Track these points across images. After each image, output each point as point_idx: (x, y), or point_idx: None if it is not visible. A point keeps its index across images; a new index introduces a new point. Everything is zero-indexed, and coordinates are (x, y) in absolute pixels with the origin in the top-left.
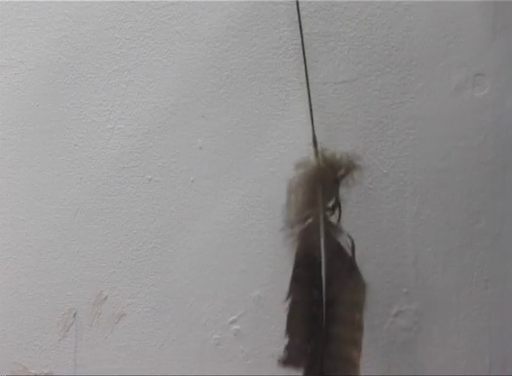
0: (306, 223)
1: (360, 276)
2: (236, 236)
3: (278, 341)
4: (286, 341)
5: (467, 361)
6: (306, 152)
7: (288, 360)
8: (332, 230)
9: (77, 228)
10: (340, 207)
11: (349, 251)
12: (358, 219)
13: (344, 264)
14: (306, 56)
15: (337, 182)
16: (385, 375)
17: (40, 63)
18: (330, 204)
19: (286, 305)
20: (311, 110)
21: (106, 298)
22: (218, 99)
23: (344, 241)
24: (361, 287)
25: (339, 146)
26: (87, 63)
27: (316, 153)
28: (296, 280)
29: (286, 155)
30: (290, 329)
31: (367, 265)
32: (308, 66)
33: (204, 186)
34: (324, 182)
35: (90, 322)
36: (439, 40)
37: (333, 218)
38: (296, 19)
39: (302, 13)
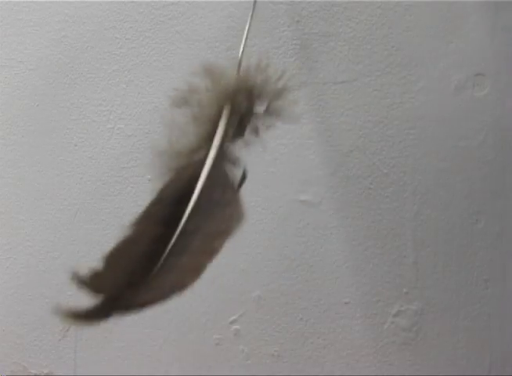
0: (197, 153)
1: (238, 207)
2: (236, 236)
3: (278, 341)
4: (97, 268)
5: (467, 361)
6: (306, 149)
7: (89, 283)
8: (222, 160)
9: (77, 228)
10: (243, 136)
11: (236, 184)
12: (358, 219)
13: (224, 195)
14: (307, 56)
15: (250, 109)
16: (385, 375)
17: (40, 63)
18: (232, 132)
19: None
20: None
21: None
22: None
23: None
24: (234, 218)
25: (339, 145)
26: (87, 63)
27: (239, 67)
28: (147, 213)
29: (286, 155)
30: (108, 259)
31: (367, 265)
32: (308, 67)
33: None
34: (234, 102)
35: None
36: (439, 40)
37: (232, 150)
38: (296, 19)
39: (302, 13)
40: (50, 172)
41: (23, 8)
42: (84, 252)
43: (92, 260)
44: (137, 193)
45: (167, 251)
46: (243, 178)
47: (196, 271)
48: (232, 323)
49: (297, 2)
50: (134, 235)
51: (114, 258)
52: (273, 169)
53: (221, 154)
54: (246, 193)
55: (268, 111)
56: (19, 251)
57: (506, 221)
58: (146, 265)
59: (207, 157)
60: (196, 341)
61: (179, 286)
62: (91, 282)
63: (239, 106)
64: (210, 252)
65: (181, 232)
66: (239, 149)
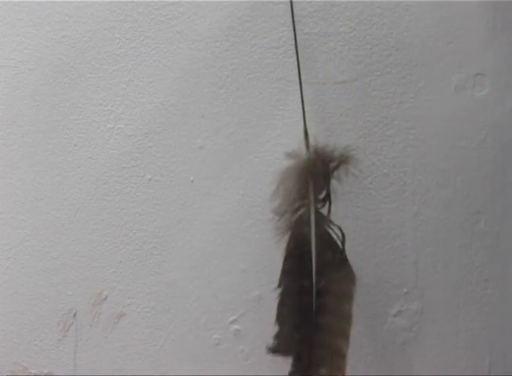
0: (296, 214)
1: (350, 268)
2: (236, 236)
3: None
4: (275, 330)
5: (467, 361)
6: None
7: (277, 349)
8: (322, 222)
9: (77, 228)
10: (330, 199)
11: (339, 243)
12: (358, 219)
13: (334, 255)
14: (307, 56)
15: (328, 174)
16: (385, 375)
17: (40, 63)
18: (321, 196)
19: (277, 295)
20: (302, 102)
21: (105, 298)
22: (218, 99)
23: (335, 233)
24: (350, 279)
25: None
26: (87, 63)
27: (307, 144)
28: (286, 270)
29: None
30: (280, 318)
31: (367, 265)
32: (308, 67)
33: (204, 186)
34: (314, 174)
35: (90, 322)
36: (439, 40)
37: (324, 211)
38: (296, 19)
39: (302, 13)
40: (50, 172)
41: (23, 8)
42: (84, 252)
43: (92, 260)
44: (137, 193)
45: (314, 309)
46: (343, 236)
47: (344, 335)
48: (232, 323)
49: (297, 2)
50: (285, 291)
51: (281, 317)
52: (273, 169)
53: (319, 217)
54: (247, 193)
55: (335, 176)
56: (19, 251)
57: (506, 221)
58: (303, 321)
59: (310, 217)
60: (196, 341)
61: (338, 353)
62: (278, 347)
63: (319, 175)
64: (347, 317)
65: (316, 292)
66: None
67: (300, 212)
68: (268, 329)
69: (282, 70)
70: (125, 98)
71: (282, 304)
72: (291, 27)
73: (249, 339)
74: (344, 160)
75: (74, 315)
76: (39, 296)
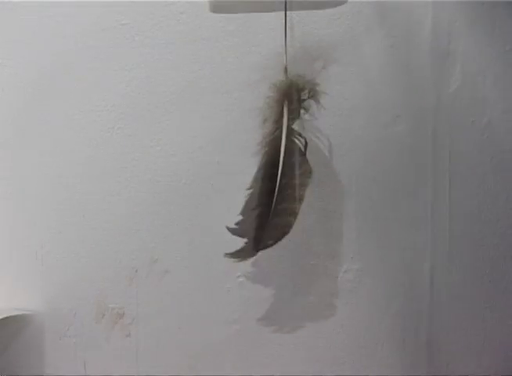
0: (274, 134)
1: (308, 165)
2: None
3: (278, 341)
4: (238, 218)
5: (467, 361)
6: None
7: (237, 231)
8: (291, 135)
9: (77, 228)
10: (300, 117)
11: (302, 148)
12: (358, 219)
13: (298, 158)
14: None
15: (299, 100)
16: (385, 375)
17: (40, 63)
18: (292, 116)
19: (247, 194)
20: (285, 39)
21: (106, 297)
22: (217, 99)
23: (300, 143)
24: (307, 172)
25: (339, 145)
26: (87, 63)
27: (286, 77)
28: (257, 176)
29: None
30: (244, 211)
31: (367, 266)
32: (308, 66)
33: (204, 185)
34: (289, 99)
35: (90, 322)
36: (439, 40)
37: (296, 127)
38: (296, 19)
39: (302, 13)
40: (50, 172)
41: (23, 8)
42: (84, 252)
43: (92, 260)
44: (137, 193)
45: (274, 200)
46: (306, 144)
47: (294, 213)
48: (232, 322)
49: (298, 2)
50: (254, 190)
51: (247, 209)
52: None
53: (290, 131)
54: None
55: (308, 97)
56: (19, 251)
57: (506, 221)
58: (266, 212)
59: (282, 135)
60: (197, 341)
61: (287, 226)
62: (238, 230)
63: (293, 99)
64: (300, 199)
65: (279, 186)
66: (298, 126)
67: (276, 133)
68: (268, 329)
69: (282, 69)
70: (125, 98)
71: (248, 202)
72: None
73: (249, 338)
74: (313, 90)
75: (74, 315)
76: (39, 296)
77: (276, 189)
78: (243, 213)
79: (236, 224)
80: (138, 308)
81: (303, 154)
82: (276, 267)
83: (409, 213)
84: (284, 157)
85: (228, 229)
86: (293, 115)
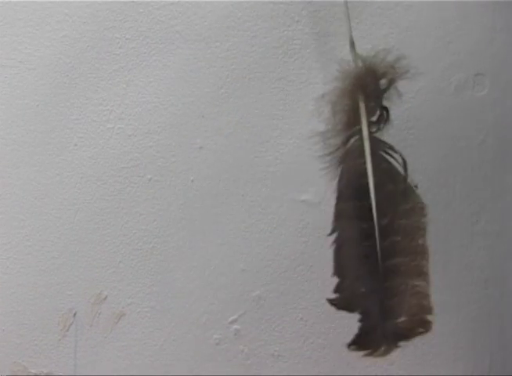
0: (347, 145)
1: (417, 197)
2: (236, 236)
3: (278, 341)
4: (335, 283)
5: (467, 361)
6: (306, 150)
7: (341, 303)
8: (378, 148)
9: (77, 228)
10: (387, 119)
11: (401, 170)
12: None
13: (397, 185)
14: (307, 56)
15: (380, 91)
16: (385, 375)
17: (40, 63)
18: (374, 117)
19: (332, 243)
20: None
21: (105, 298)
22: (218, 99)
23: (394, 160)
24: (419, 209)
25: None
26: (87, 63)
27: (355, 56)
28: (339, 213)
29: (286, 155)
30: (339, 269)
31: None
32: (308, 66)
33: (204, 186)
34: (365, 92)
35: (90, 322)
36: (439, 40)
37: (380, 135)
38: (296, 19)
39: (302, 13)
40: (50, 172)
41: (23, 8)
42: (84, 252)
43: (92, 260)
44: (137, 193)
45: (379, 254)
46: (405, 162)
47: (423, 273)
48: (232, 323)
49: (298, 2)
50: (341, 236)
51: (341, 266)
52: (273, 169)
53: (374, 142)
54: (247, 193)
55: (389, 87)
56: (19, 251)
57: (506, 221)
58: (368, 268)
59: (364, 146)
60: (196, 341)
61: (418, 293)
62: (341, 302)
63: (370, 91)
64: (423, 252)
65: (378, 229)
66: (387, 135)
67: (351, 142)
68: (268, 329)
69: (282, 70)
70: (125, 98)
71: (338, 253)
72: (291, 27)
73: (249, 339)
74: (396, 72)
75: (74, 315)
76: (39, 296)
77: (377, 240)
78: (336, 271)
79: (335, 291)
80: None
81: (404, 180)
82: None
83: None
84: (376, 182)
85: (330, 301)
86: (375, 116)
